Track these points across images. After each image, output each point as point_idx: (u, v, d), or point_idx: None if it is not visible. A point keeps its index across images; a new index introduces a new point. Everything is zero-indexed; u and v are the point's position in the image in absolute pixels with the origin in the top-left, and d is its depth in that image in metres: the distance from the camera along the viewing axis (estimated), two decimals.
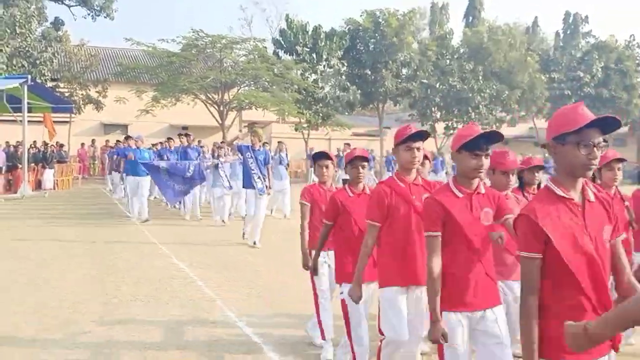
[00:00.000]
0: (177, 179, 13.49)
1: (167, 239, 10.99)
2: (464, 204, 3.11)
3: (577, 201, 2.41)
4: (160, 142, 18.22)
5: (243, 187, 10.93)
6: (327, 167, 4.97)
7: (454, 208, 3.07)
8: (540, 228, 2.33)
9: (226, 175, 13.49)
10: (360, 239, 4.01)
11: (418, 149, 3.67)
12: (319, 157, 5.03)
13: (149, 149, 16.41)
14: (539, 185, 4.68)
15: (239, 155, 12.03)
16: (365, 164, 4.34)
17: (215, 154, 14.86)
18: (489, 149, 3.13)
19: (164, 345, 5.06)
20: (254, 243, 10.34)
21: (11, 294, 6.76)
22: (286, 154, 16.26)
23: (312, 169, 4.62)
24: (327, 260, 4.93)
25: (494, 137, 3.16)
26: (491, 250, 3.22)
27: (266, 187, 10.57)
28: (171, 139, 16.61)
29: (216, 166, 13.55)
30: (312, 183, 5.28)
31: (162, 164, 13.89)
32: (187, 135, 15.96)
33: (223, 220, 13.41)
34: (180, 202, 15.09)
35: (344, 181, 5.00)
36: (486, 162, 3.12)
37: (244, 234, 10.87)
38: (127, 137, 15.84)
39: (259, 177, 10.35)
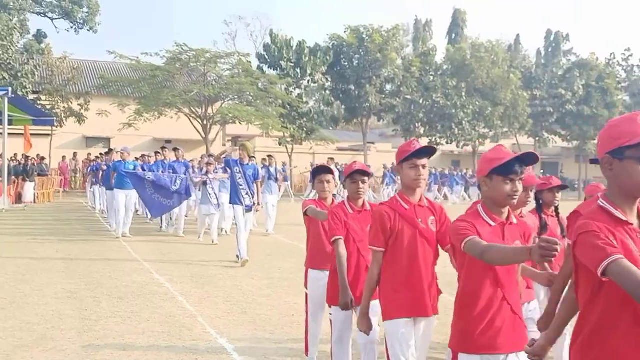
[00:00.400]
0: (162, 192, 12.94)
1: (149, 255, 10.86)
2: (496, 235, 2.78)
3: (636, 226, 2.09)
4: (143, 155, 17.20)
5: (230, 202, 10.48)
6: (328, 182, 4.68)
7: (486, 239, 2.69)
8: None
9: (215, 194, 12.85)
10: (359, 260, 3.90)
11: (424, 166, 3.42)
12: (319, 172, 4.74)
13: (135, 160, 15.84)
14: (556, 208, 4.44)
15: (227, 169, 11.72)
16: (366, 178, 4.07)
17: (204, 170, 14.05)
18: (523, 172, 2.80)
19: None
20: (241, 258, 9.86)
21: None
22: (276, 169, 16.08)
23: (311, 184, 4.36)
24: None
25: (530, 159, 2.83)
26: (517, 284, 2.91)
27: (255, 203, 10.21)
28: (158, 153, 15.60)
29: (205, 183, 12.96)
30: (312, 199, 4.96)
31: (148, 175, 13.25)
32: (175, 149, 15.22)
33: (213, 241, 12.46)
34: (162, 217, 14.67)
35: (333, 195, 4.90)
36: (520, 187, 2.79)
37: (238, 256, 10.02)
38: (109, 151, 15.36)
39: (247, 193, 9.99)
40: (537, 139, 42.28)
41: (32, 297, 7.25)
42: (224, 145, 36.79)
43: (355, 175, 4.04)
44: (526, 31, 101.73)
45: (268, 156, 16.83)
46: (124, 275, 8.86)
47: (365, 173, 4.07)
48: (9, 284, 8.01)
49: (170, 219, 14.58)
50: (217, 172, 13.17)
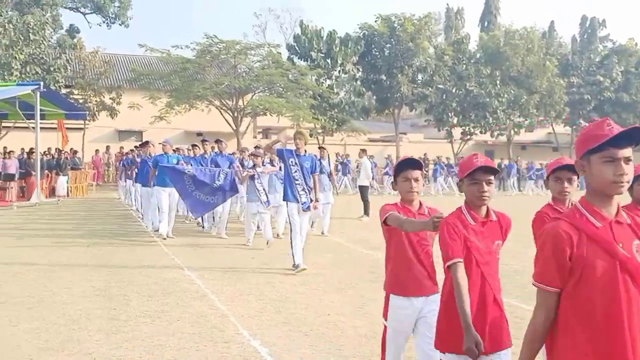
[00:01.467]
0: (204, 189, 11.64)
1: (180, 251, 10.66)
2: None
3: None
4: (177, 149, 15.14)
5: (284, 199, 9.09)
6: (416, 179, 3.57)
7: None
8: None
9: (264, 189, 11.12)
10: (483, 289, 2.96)
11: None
12: (405, 167, 3.60)
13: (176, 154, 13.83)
14: None
15: (280, 161, 10.73)
16: (492, 177, 3.03)
17: (250, 163, 12.43)
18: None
19: None
20: (296, 266, 8.58)
21: (14, 307, 6.43)
22: (328, 162, 14.50)
23: (393, 182, 3.17)
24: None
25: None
26: None
27: (312, 200, 8.96)
28: (196, 145, 14.22)
29: (252, 177, 11.09)
30: (392, 203, 3.66)
31: (188, 169, 11.86)
32: (218, 141, 13.59)
33: (267, 242, 11.16)
34: (204, 217, 13.46)
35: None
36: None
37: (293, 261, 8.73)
38: (145, 143, 13.73)
39: (303, 189, 8.74)
40: (574, 127, 41.23)
41: (60, 295, 7.07)
42: (254, 137, 36.68)
43: (477, 174, 2.98)
44: (560, 17, 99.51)
45: (320, 148, 14.95)
46: (155, 271, 8.65)
47: (493, 170, 3.03)
48: (38, 281, 7.86)
49: (213, 219, 13.25)
50: (265, 165, 11.72)
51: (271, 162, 12.25)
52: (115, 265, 9.06)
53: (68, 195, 22.83)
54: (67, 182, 23.09)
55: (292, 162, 8.71)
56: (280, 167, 11.78)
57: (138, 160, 15.37)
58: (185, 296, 7.14)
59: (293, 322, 6.07)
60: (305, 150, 8.97)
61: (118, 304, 6.65)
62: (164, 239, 11.68)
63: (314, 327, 5.91)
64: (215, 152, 13.43)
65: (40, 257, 9.77)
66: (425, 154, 31.27)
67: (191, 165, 12.64)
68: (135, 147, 17.38)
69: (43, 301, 6.75)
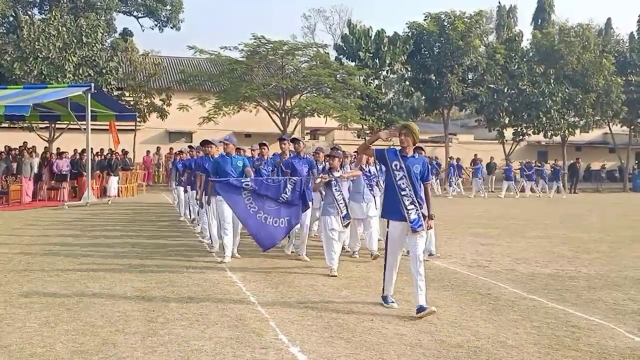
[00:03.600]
0: (269, 207, 8.95)
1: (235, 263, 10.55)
2: None
3: None
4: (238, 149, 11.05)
5: (382, 216, 7.00)
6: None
7: None
8: None
9: (344, 199, 8.88)
10: None
11: None
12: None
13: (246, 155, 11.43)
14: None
15: (379, 165, 9.59)
16: None
17: (325, 165, 10.30)
18: None
19: None
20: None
21: (55, 307, 6.38)
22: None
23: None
24: None
25: None
26: None
27: (425, 216, 6.63)
28: (264, 144, 11.14)
29: (328, 184, 8.82)
30: None
31: (246, 182, 8.99)
32: (295, 140, 10.60)
33: (352, 254, 9.91)
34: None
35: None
36: None
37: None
38: (205, 142, 11.06)
39: (412, 203, 6.47)
40: (631, 127, 39.69)
41: (100, 296, 7.01)
42: (303, 138, 36.56)
43: None
44: (618, 14, 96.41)
45: (417, 148, 11.41)
46: (196, 272, 8.55)
47: None
48: (79, 281, 7.84)
49: (288, 237, 10.12)
50: (345, 169, 9.66)
51: (355, 166, 10.12)
52: (158, 266, 9.00)
53: (119, 196, 23.17)
54: (118, 183, 23.44)
55: (396, 165, 6.57)
56: (370, 172, 10.05)
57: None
58: (225, 298, 6.99)
59: (334, 328, 5.83)
60: (414, 150, 6.74)
61: (157, 306, 6.54)
62: (221, 262, 9.22)
63: (356, 333, 5.66)
64: (293, 155, 10.52)
65: (84, 256, 9.81)
66: (475, 155, 30.57)
67: (260, 171, 10.52)
68: (190, 146, 14.58)
69: (82, 302, 6.70)
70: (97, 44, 26.46)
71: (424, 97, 38.03)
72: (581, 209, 21.20)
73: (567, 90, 34.87)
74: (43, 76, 24.20)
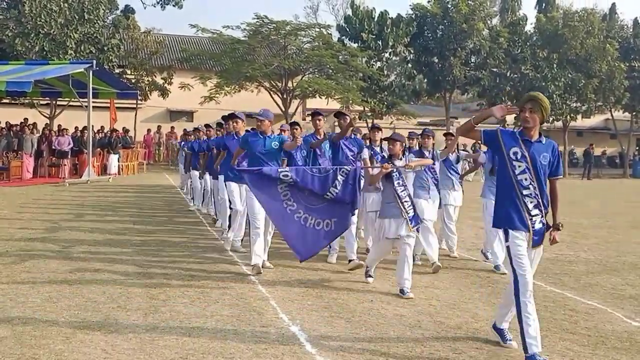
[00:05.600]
0: (310, 205, 6.82)
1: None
2: None
3: None
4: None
5: (498, 225, 4.94)
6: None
7: None
8: None
9: (409, 195, 6.72)
10: None
11: None
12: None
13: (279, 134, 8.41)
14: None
15: (482, 152, 8.22)
16: None
17: (382, 151, 8.56)
18: None
19: (206, 351, 4.55)
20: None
21: (57, 284, 6.43)
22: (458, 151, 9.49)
23: None
24: None
25: None
26: None
27: (550, 226, 5.06)
28: (296, 124, 8.53)
29: (388, 177, 6.72)
30: None
31: (284, 172, 6.81)
32: (340, 114, 8.06)
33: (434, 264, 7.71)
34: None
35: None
36: None
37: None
38: (230, 116, 9.41)
39: (536, 206, 4.81)
40: (633, 113, 39.62)
41: (102, 272, 7.06)
42: (304, 119, 36.48)
43: None
44: (622, 0, 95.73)
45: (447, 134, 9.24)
46: (198, 251, 8.60)
47: None
48: (81, 257, 7.89)
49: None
50: (410, 157, 7.07)
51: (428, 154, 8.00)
52: (159, 244, 9.05)
53: (119, 174, 23.19)
54: (119, 161, 23.44)
55: (515, 154, 4.73)
56: (438, 159, 8.26)
57: (214, 148, 10.81)
58: (227, 277, 7.04)
59: (334, 308, 5.88)
60: (541, 134, 4.82)
61: (158, 283, 6.59)
62: (256, 273, 7.16)
63: (356, 313, 5.71)
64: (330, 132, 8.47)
65: (86, 233, 9.85)
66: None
67: (293, 158, 8.20)
68: (207, 125, 12.37)
69: (84, 278, 6.75)
70: (98, 21, 26.27)
71: (426, 80, 37.87)
72: (581, 194, 21.25)
73: (569, 75, 34.73)
74: (45, 52, 24.07)
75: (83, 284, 6.49)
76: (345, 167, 7.09)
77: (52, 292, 6.11)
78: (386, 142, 7.38)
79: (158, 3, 41.18)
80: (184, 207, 14.00)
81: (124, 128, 26.95)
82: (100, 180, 20.59)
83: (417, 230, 6.80)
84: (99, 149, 22.72)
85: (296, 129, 8.26)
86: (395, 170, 6.69)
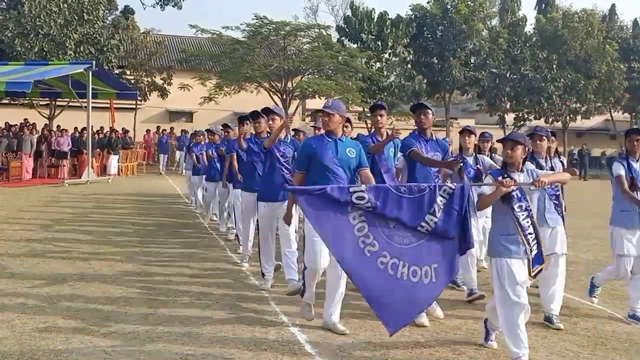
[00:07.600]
0: (400, 243, 4.43)
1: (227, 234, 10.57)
2: None
3: None
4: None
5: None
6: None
7: None
8: None
9: (534, 226, 4.51)
10: None
11: None
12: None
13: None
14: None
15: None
16: None
17: (488, 156, 6.98)
18: None
19: (206, 352, 4.55)
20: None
21: (57, 285, 6.43)
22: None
23: None
24: None
25: None
26: None
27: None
28: (349, 120, 6.32)
29: (506, 197, 4.46)
30: None
31: (360, 192, 4.41)
32: (420, 106, 6.26)
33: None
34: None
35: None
36: None
37: None
38: (265, 112, 6.85)
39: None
40: (633, 114, 39.66)
41: (101, 273, 7.06)
42: (303, 120, 36.47)
43: None
44: (622, 1, 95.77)
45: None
46: (198, 252, 8.60)
47: None
48: (81, 258, 7.88)
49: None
50: (530, 173, 4.61)
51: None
52: (159, 244, 9.05)
53: (119, 174, 23.19)
54: (118, 161, 23.44)
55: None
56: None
57: (223, 152, 9.66)
58: (227, 277, 7.05)
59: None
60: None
61: (159, 284, 6.59)
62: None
63: (356, 314, 5.70)
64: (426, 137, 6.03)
65: (85, 234, 9.85)
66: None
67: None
68: (226, 125, 10.08)
69: (84, 279, 6.75)
70: (98, 21, 26.26)
71: (425, 81, 37.91)
72: (582, 195, 21.24)
73: (569, 76, 34.79)
74: (44, 53, 24.06)
75: (83, 284, 6.49)
76: (448, 184, 4.66)
77: (51, 292, 6.11)
78: (463, 136, 6.46)
79: (157, 4, 41.21)
80: (184, 208, 14.02)
81: (123, 128, 26.94)
82: (100, 180, 20.58)
83: (535, 276, 4.61)
84: (98, 150, 22.71)
85: (274, 119, 6.54)
86: (516, 188, 4.48)
